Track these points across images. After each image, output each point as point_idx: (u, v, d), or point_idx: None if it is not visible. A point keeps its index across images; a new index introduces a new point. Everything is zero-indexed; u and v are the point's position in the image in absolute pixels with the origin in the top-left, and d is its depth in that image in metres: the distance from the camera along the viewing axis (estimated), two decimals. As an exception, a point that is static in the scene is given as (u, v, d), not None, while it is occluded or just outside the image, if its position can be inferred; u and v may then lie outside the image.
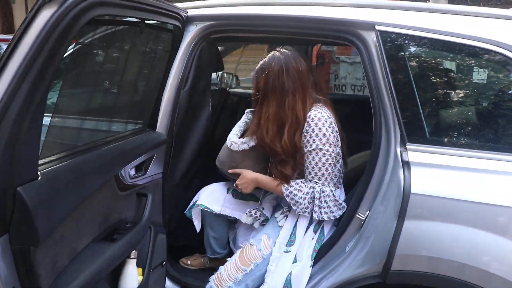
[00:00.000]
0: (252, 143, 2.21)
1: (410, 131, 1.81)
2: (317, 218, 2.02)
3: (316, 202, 2.01)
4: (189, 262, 2.62)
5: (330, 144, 1.99)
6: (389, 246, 1.70)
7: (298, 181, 2.07)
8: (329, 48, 5.76)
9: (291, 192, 2.05)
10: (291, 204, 2.06)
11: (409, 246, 1.69)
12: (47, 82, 1.25)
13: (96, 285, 1.65)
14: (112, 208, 1.87)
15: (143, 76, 2.26)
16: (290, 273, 2.01)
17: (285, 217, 2.17)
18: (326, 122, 1.99)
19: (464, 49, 1.85)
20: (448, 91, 1.92)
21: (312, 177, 2.03)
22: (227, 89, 3.73)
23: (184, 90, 2.28)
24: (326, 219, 2.02)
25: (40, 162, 1.37)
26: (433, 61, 1.94)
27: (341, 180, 2.16)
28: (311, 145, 2.00)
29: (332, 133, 1.99)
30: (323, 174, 2.02)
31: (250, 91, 4.65)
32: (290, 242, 2.08)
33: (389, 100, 1.85)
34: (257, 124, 2.11)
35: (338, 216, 2.04)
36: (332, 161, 2.02)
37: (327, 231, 2.12)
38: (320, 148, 1.98)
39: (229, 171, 2.28)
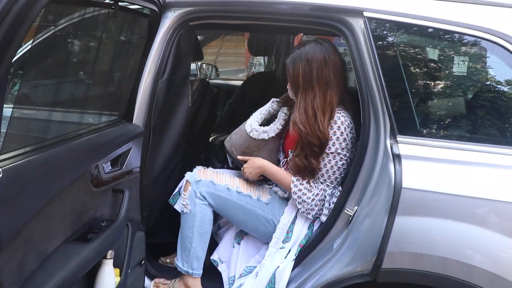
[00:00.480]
0: (272, 134, 2.16)
1: (400, 122, 1.73)
2: (324, 221, 1.99)
3: (326, 204, 1.99)
4: (168, 260, 2.53)
5: (348, 149, 1.98)
6: (379, 243, 1.62)
7: (305, 182, 2.03)
8: (311, 39, 5.65)
9: (300, 190, 2.01)
10: (297, 203, 2.02)
11: (401, 243, 1.61)
12: (4, 69, 1.11)
13: (68, 290, 1.54)
14: (86, 206, 1.75)
15: (117, 65, 2.14)
16: (277, 267, 1.98)
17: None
18: (348, 127, 1.97)
19: (459, 38, 1.77)
20: (441, 81, 1.84)
21: (325, 180, 2.01)
22: (207, 79, 3.61)
23: (161, 80, 2.17)
24: (322, 220, 1.99)
25: (1, 157, 1.24)
26: (425, 50, 1.85)
27: None
28: (330, 148, 1.96)
29: (352, 139, 1.98)
30: (336, 178, 2.01)
31: (231, 82, 4.62)
32: (287, 239, 2.05)
33: (378, 90, 1.77)
34: (305, 113, 1.99)
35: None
36: (347, 166, 2.00)
37: (316, 227, 2.06)
38: (339, 152, 1.96)
39: (239, 157, 2.22)
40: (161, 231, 2.48)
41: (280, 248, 2.04)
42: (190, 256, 2.17)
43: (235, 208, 2.15)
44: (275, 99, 2.32)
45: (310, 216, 2.01)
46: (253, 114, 2.30)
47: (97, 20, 1.78)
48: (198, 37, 3.46)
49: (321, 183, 2.01)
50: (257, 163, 2.15)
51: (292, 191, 2.02)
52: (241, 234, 2.28)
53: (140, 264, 2.14)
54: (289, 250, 2.03)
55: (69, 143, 1.59)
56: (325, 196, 1.99)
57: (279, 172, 2.13)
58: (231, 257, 2.24)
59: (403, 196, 1.60)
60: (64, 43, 1.91)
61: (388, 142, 1.74)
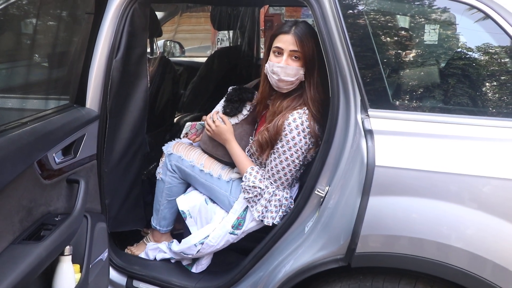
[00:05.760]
0: (235, 121, 2.17)
1: (371, 95, 1.63)
2: (257, 218, 1.99)
3: (263, 202, 1.98)
4: (135, 251, 2.41)
5: (297, 150, 1.91)
6: (353, 226, 1.53)
7: (261, 172, 2.03)
8: (278, 11, 5.54)
9: (249, 179, 2.00)
10: (242, 188, 2.01)
11: (377, 224, 1.52)
12: None
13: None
14: (36, 201, 1.61)
15: (62, 44, 1.97)
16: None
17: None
18: (303, 131, 1.90)
19: (434, 3, 1.67)
20: (414, 50, 1.75)
21: (270, 176, 1.99)
22: (167, 56, 3.45)
23: (116, 59, 2.03)
24: (266, 223, 1.99)
25: None
26: (397, 17, 1.74)
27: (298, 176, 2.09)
28: (277, 146, 1.93)
29: (301, 141, 1.91)
30: (280, 178, 1.97)
31: (195, 59, 4.46)
32: (238, 226, 2.06)
33: (346, 61, 1.66)
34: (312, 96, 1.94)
35: (276, 223, 1.98)
36: (294, 168, 1.95)
37: None
38: (284, 151, 1.91)
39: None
40: (125, 219, 2.36)
41: (230, 233, 2.07)
42: (159, 216, 2.35)
43: (197, 183, 2.24)
44: (232, 87, 2.26)
45: (250, 206, 2.02)
46: (216, 107, 2.27)
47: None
48: (158, 13, 3.30)
49: (266, 179, 2.00)
50: (224, 135, 2.13)
51: (247, 173, 2.02)
52: None
53: (103, 257, 2.01)
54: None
55: (10, 133, 1.44)
56: (265, 194, 1.97)
57: (240, 155, 2.11)
58: (201, 213, 2.22)
59: (376, 175, 1.51)
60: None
61: (359, 116, 1.64)
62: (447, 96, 1.64)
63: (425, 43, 1.72)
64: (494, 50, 1.63)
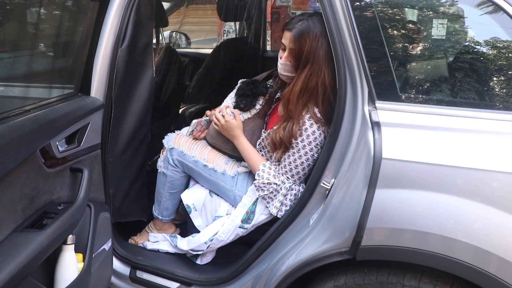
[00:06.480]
0: (247, 115, 2.15)
1: (379, 87, 1.61)
2: (275, 214, 1.97)
3: (280, 198, 1.96)
4: (138, 240, 2.40)
5: (317, 144, 1.89)
6: (358, 218, 1.51)
7: (274, 168, 2.01)
8: (284, 3, 5.50)
9: (263, 177, 1.97)
10: (256, 186, 1.99)
11: (382, 218, 1.50)
12: None
13: (21, 284, 1.39)
14: (39, 189, 1.60)
15: (67, 32, 1.95)
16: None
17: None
18: (321, 135, 1.89)
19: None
20: (423, 41, 1.72)
21: (286, 172, 1.96)
22: (173, 47, 3.43)
23: (121, 49, 2.01)
24: (279, 216, 1.97)
25: None
26: (406, 10, 1.71)
27: None
28: (297, 143, 1.90)
29: (321, 136, 1.89)
30: (298, 173, 1.95)
31: (201, 51, 4.44)
32: (248, 220, 2.04)
33: (354, 52, 1.64)
34: (313, 89, 1.86)
35: None
36: (312, 162, 1.92)
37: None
38: (304, 145, 1.89)
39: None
40: (130, 209, 2.35)
41: (239, 227, 2.06)
42: (161, 206, 2.35)
43: (201, 178, 2.22)
44: (242, 81, 2.23)
45: (264, 202, 2.00)
46: (224, 100, 2.26)
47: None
48: (164, 3, 3.28)
49: (282, 174, 1.97)
50: (233, 131, 2.10)
51: (260, 170, 1.99)
52: None
53: (107, 247, 2.00)
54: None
55: (12, 120, 1.43)
56: (282, 189, 1.95)
57: (251, 152, 2.09)
58: (206, 206, 2.21)
59: (383, 167, 1.48)
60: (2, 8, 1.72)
61: (366, 108, 1.62)
62: (455, 90, 1.62)
63: (433, 36, 1.70)
64: (502, 44, 1.61)
